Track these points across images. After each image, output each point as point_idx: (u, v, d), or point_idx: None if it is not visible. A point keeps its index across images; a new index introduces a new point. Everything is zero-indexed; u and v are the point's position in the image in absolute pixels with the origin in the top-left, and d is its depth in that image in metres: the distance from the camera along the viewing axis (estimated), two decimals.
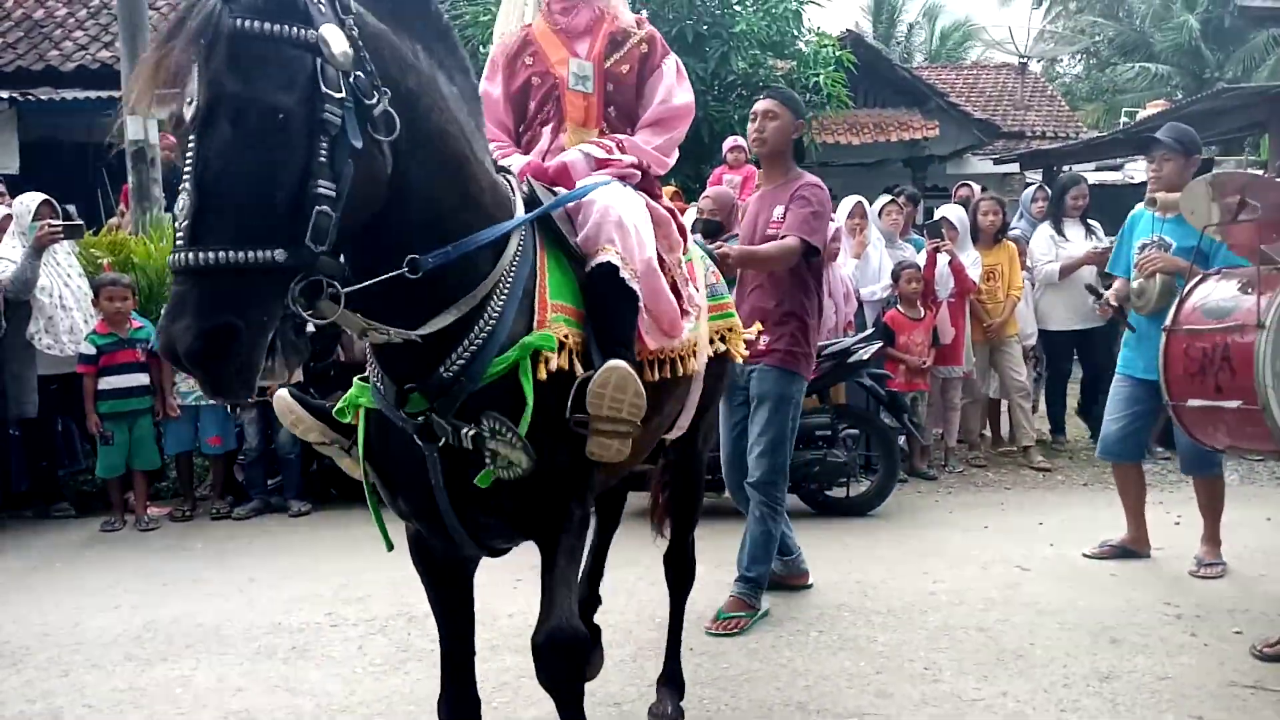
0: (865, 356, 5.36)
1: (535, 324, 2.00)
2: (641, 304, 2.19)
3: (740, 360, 3.01)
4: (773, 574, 4.04)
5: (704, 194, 5.73)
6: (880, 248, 6.64)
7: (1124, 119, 17.72)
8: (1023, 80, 19.92)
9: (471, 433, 1.90)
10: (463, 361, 1.91)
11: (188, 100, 1.50)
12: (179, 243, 1.47)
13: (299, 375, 6.48)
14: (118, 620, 4.06)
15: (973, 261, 6.43)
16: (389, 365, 1.97)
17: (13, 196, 6.07)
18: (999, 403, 6.99)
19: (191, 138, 1.49)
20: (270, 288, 1.51)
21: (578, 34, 2.64)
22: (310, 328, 1.64)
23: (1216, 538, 4.43)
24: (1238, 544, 4.67)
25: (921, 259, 6.42)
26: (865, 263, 6.51)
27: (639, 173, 2.52)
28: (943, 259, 6.28)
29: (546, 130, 2.56)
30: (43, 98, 9.56)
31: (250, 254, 1.46)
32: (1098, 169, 14.64)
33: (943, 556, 4.66)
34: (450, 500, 1.99)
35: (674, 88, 2.68)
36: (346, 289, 1.63)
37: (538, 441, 1.92)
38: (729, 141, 8.59)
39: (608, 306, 2.15)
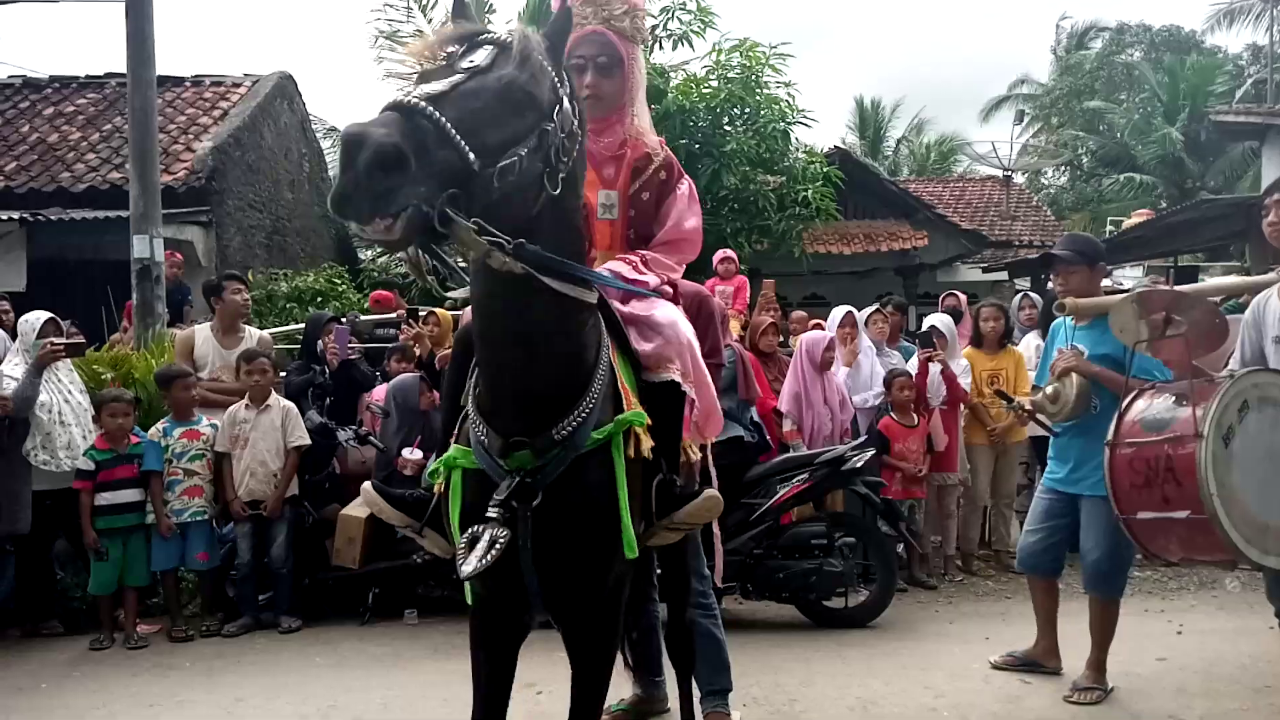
0: (859, 464, 5.37)
1: (626, 406, 2.30)
2: (695, 410, 2.61)
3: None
4: (637, 700, 3.79)
5: None
6: (871, 355, 6.74)
7: (1110, 228, 18.09)
8: (1008, 193, 20.45)
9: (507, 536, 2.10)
10: (573, 426, 2.14)
11: (469, 58, 1.92)
12: (421, 91, 1.77)
13: (294, 488, 6.39)
14: None
15: (962, 370, 6.50)
16: (503, 419, 2.16)
17: (18, 314, 6.18)
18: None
19: (472, 59, 1.90)
20: (446, 176, 1.72)
21: (605, 159, 2.89)
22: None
23: (1102, 665, 4.17)
24: (1243, 653, 4.61)
25: (911, 366, 6.49)
26: (857, 370, 6.59)
27: (671, 289, 2.81)
28: (934, 368, 6.36)
29: None
30: (52, 218, 9.75)
31: (462, 141, 1.74)
32: None
33: (943, 669, 4.59)
34: (534, 559, 2.16)
35: (685, 213, 2.97)
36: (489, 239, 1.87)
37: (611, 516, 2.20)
38: (719, 254, 8.86)
39: (668, 415, 2.50)
